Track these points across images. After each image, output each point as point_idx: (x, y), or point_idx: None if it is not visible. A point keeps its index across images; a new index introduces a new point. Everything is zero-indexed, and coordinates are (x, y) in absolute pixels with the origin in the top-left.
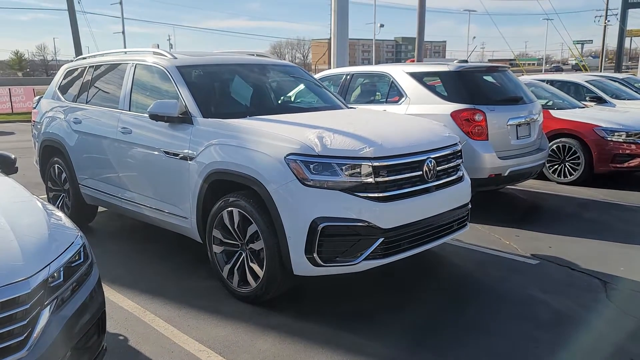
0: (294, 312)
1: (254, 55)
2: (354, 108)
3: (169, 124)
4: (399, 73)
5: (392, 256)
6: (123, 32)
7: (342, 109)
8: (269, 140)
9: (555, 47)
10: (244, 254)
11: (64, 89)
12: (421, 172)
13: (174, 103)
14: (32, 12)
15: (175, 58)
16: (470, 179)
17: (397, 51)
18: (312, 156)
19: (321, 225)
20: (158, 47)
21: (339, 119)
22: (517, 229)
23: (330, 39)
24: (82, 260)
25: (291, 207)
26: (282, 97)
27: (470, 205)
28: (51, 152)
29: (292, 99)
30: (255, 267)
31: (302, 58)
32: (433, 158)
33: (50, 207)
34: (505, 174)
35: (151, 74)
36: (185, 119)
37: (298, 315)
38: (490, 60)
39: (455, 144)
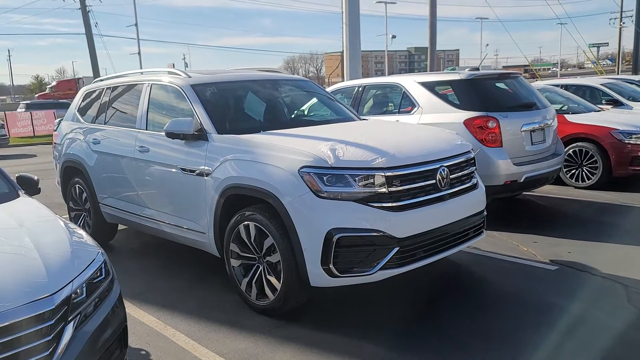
0: (313, 324)
1: (266, 71)
2: (366, 120)
3: (185, 142)
4: (411, 83)
5: (408, 265)
6: (139, 53)
7: (354, 120)
8: (282, 154)
9: (570, 51)
10: (261, 267)
11: (82, 110)
12: (434, 181)
13: (189, 121)
14: (50, 37)
15: (190, 77)
16: (486, 186)
17: (410, 61)
18: (325, 168)
19: (336, 236)
20: (174, 66)
21: (351, 131)
22: (535, 235)
23: (342, 52)
24: (103, 276)
25: (306, 219)
26: (294, 111)
27: (485, 213)
28: (72, 172)
29: (305, 112)
30: (273, 279)
31: (316, 72)
32: (446, 166)
33: (72, 225)
34: (521, 180)
35: (166, 93)
36: (200, 135)
37: (317, 326)
38: (504, 67)
39: (468, 152)
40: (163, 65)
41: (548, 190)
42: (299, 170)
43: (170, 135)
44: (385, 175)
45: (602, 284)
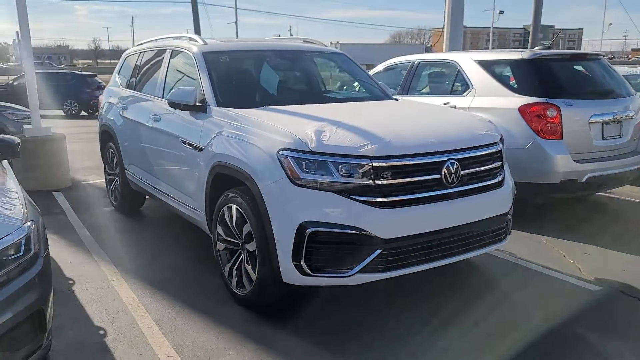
0: (284, 323)
1: (300, 41)
2: (396, 99)
3: (190, 112)
4: (467, 61)
5: (394, 270)
6: (236, 23)
7: (379, 100)
8: (266, 133)
9: None
10: (243, 254)
11: (120, 75)
12: (439, 175)
13: (191, 90)
14: (173, 6)
15: (206, 44)
16: (539, 184)
17: (525, 40)
18: (304, 152)
19: (309, 230)
20: (279, 36)
21: (361, 112)
22: (591, 245)
23: (443, 26)
24: (22, 253)
25: (280, 208)
26: (312, 86)
27: (510, 215)
28: (107, 137)
29: (325, 88)
30: (250, 269)
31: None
32: (456, 159)
33: (13, 195)
34: (583, 180)
35: (182, 60)
36: (201, 107)
37: (286, 326)
38: (632, 50)
39: (495, 144)
40: (267, 37)
41: (630, 192)
42: (277, 152)
43: (172, 105)
44: (372, 166)
45: None
